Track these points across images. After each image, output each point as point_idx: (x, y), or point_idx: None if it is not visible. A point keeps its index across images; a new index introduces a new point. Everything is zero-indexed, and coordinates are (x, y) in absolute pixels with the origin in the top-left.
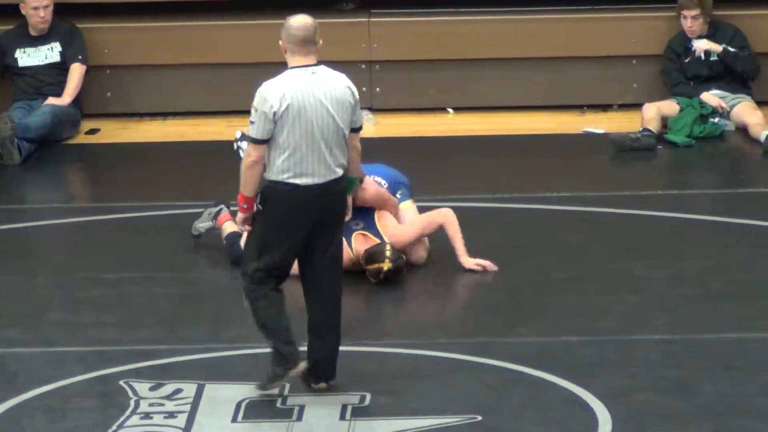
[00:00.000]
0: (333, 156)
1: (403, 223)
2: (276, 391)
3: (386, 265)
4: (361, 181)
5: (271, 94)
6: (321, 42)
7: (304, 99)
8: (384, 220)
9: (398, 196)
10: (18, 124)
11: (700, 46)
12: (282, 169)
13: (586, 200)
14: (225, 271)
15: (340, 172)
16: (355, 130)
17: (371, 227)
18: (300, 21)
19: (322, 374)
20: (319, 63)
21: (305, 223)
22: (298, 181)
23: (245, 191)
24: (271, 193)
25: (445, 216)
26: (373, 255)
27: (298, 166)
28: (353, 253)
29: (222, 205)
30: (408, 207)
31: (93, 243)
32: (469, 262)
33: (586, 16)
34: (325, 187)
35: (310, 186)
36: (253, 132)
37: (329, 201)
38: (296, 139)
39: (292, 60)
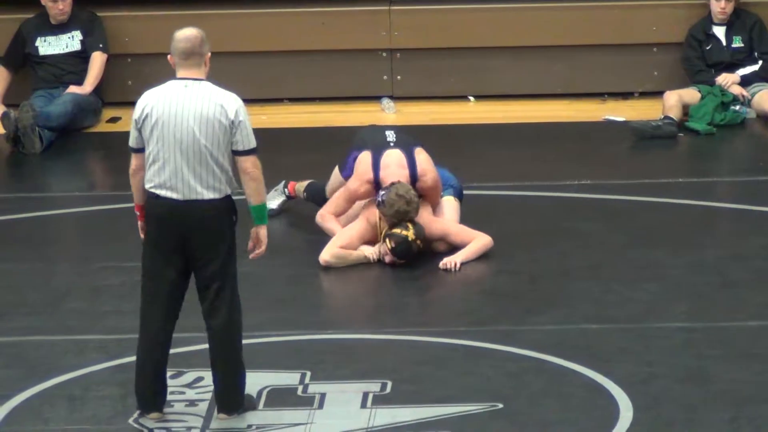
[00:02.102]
0: (196, 176)
1: (440, 214)
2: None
3: (410, 234)
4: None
5: (138, 103)
6: (209, 54)
7: (166, 112)
8: (421, 208)
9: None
10: (39, 112)
11: (734, 90)
12: (148, 178)
13: (607, 188)
14: (244, 259)
15: (209, 195)
16: (241, 153)
17: None
18: (183, 33)
19: (220, 405)
20: (200, 78)
21: (166, 239)
22: (158, 191)
23: (134, 199)
24: (146, 202)
25: (479, 237)
26: (401, 224)
27: (158, 177)
28: (379, 228)
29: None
30: (447, 200)
31: (113, 231)
32: (454, 260)
33: (607, 3)
34: (186, 206)
35: (168, 199)
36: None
37: (191, 222)
38: (157, 151)
39: (177, 73)
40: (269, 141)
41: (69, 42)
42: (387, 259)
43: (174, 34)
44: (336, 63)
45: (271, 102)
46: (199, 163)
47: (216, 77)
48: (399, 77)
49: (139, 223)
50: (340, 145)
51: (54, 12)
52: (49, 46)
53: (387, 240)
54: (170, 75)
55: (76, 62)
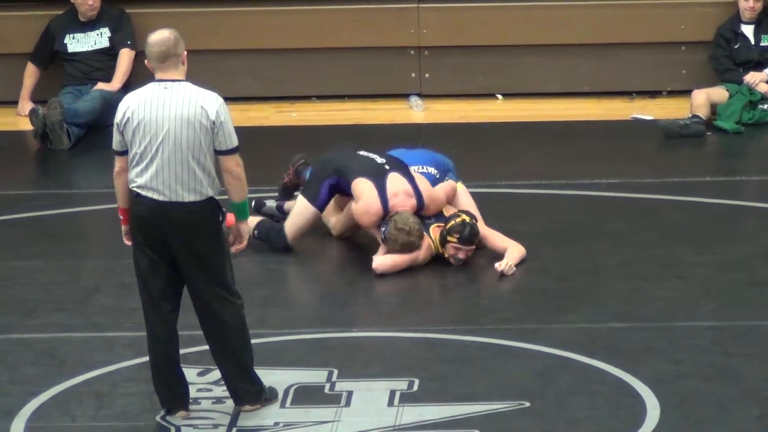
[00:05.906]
0: (177, 178)
1: (458, 203)
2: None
3: (464, 217)
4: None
5: (120, 107)
6: (185, 53)
7: (147, 115)
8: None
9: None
10: (67, 109)
11: (761, 88)
12: (131, 178)
13: (635, 186)
14: (270, 257)
15: (190, 197)
16: (224, 152)
17: (441, 219)
18: (156, 37)
19: (237, 399)
20: (180, 80)
21: (148, 238)
22: (140, 191)
23: (118, 203)
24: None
25: (515, 244)
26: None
27: (140, 178)
28: (434, 244)
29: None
30: (460, 188)
31: None
32: (509, 262)
33: (636, 2)
34: (166, 206)
35: (148, 198)
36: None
37: (171, 223)
38: (139, 153)
39: (156, 76)
40: (298, 138)
41: (97, 39)
42: (460, 255)
43: (147, 38)
44: (365, 60)
45: (300, 99)
46: (180, 165)
47: (246, 74)
48: (427, 75)
49: (123, 227)
50: (368, 143)
51: (83, 8)
52: (78, 43)
53: (449, 237)
54: (202, 71)
55: (105, 59)
